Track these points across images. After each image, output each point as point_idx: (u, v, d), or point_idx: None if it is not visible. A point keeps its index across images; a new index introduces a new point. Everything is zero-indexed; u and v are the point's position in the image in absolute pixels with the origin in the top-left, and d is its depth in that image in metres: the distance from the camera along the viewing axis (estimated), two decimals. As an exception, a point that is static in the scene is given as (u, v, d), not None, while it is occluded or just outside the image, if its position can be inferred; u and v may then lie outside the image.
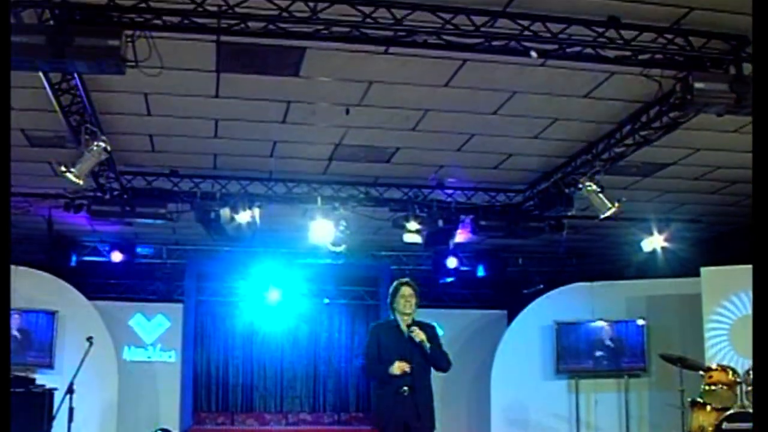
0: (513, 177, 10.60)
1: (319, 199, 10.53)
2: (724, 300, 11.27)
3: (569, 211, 10.04)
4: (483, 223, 10.85)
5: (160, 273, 14.99)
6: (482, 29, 6.07)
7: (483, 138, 9.09)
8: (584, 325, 13.50)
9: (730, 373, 9.18)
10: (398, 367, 6.63)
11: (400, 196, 10.86)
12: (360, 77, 7.43)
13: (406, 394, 6.66)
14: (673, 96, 6.82)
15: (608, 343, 13.30)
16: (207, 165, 10.05)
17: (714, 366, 9.43)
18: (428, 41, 6.19)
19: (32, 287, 12.35)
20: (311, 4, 5.85)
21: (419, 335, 6.73)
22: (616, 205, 9.16)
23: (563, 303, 13.63)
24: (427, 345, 6.75)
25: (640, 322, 13.16)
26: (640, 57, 6.47)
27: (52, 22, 5.66)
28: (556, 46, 6.26)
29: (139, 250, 13.98)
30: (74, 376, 8.12)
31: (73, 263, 13.43)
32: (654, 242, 11.87)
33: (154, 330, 14.58)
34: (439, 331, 7.32)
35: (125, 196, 10.05)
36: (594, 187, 9.05)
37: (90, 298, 13.51)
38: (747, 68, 6.44)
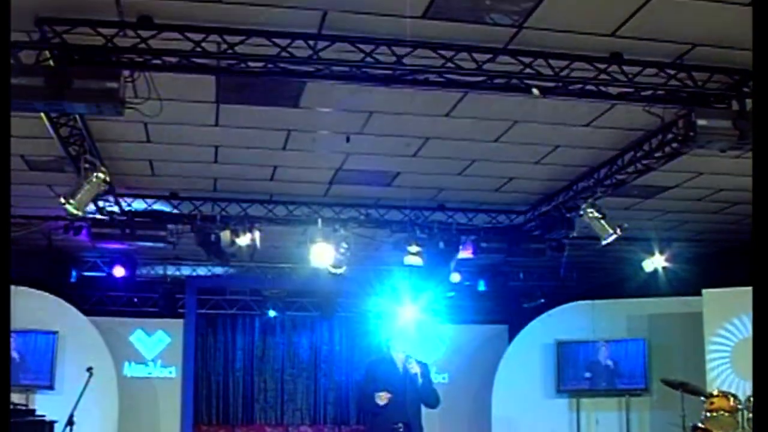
0: (514, 199, 10.56)
1: (319, 220, 10.49)
2: (726, 322, 11.22)
3: (571, 233, 10.01)
4: (484, 245, 10.81)
5: (161, 288, 14.94)
6: (484, 68, 6.02)
7: (484, 163, 9.05)
8: (585, 345, 13.45)
9: (732, 399, 9.13)
10: (383, 398, 6.75)
11: (401, 217, 10.82)
12: (361, 108, 7.38)
13: (401, 430, 6.71)
14: (675, 131, 6.77)
15: (609, 362, 13.26)
16: (207, 188, 10.01)
17: (715, 392, 9.38)
18: (429, 79, 6.14)
19: (32, 307, 12.28)
20: (311, 42, 5.82)
21: (414, 368, 6.89)
22: (618, 231, 9.10)
23: (565, 321, 13.59)
24: (420, 380, 6.91)
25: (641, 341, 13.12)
26: (642, 93, 6.42)
27: (51, 62, 5.63)
28: (558, 84, 6.21)
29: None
30: (74, 408, 8.06)
31: (73, 279, 13.40)
32: (655, 262, 11.82)
33: (155, 346, 14.56)
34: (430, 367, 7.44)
35: (125, 219, 10.02)
36: (596, 213, 9.01)
37: (90, 313, 13.47)
38: (750, 104, 6.40)
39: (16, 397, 10.90)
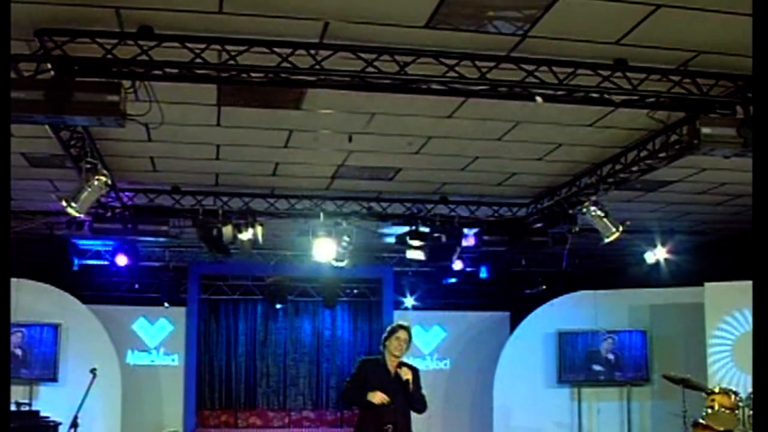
0: (517, 192, 10.52)
1: (321, 214, 10.47)
2: (727, 316, 11.22)
3: (574, 228, 9.99)
4: (486, 237, 10.79)
5: (164, 276, 14.93)
6: (487, 76, 5.97)
7: (486, 160, 9.01)
8: (586, 335, 13.48)
9: (733, 396, 9.18)
10: (379, 397, 6.71)
11: (403, 211, 10.79)
12: (363, 110, 7.34)
13: (390, 431, 6.73)
14: (678, 134, 6.73)
15: (610, 353, 13.29)
16: (209, 182, 9.98)
17: (716, 389, 9.42)
18: (432, 87, 6.09)
19: (34, 300, 12.24)
20: (313, 52, 5.76)
21: (407, 374, 6.86)
22: (620, 229, 9.09)
23: (566, 311, 13.58)
24: (411, 386, 6.86)
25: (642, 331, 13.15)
26: (647, 100, 6.37)
27: (52, 73, 5.59)
28: (562, 92, 6.16)
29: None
30: (78, 409, 8.07)
31: (75, 267, 13.39)
32: (657, 254, 11.81)
33: (158, 334, 14.60)
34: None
35: (126, 213, 10.01)
36: (598, 212, 8.98)
37: (92, 301, 13.49)
38: (755, 110, 6.36)
39: (20, 391, 10.99)
